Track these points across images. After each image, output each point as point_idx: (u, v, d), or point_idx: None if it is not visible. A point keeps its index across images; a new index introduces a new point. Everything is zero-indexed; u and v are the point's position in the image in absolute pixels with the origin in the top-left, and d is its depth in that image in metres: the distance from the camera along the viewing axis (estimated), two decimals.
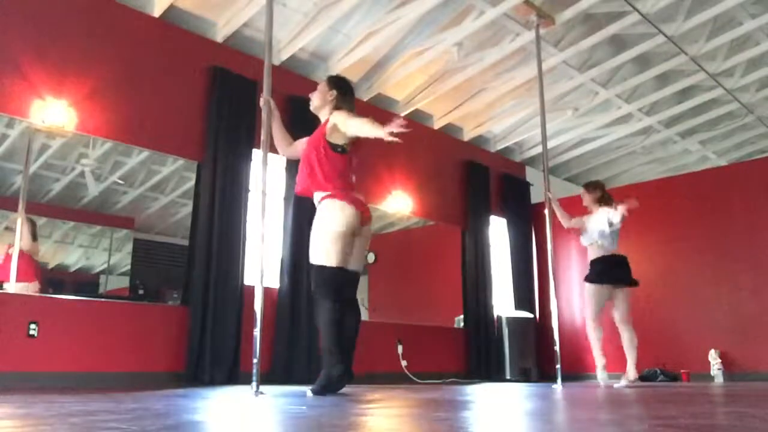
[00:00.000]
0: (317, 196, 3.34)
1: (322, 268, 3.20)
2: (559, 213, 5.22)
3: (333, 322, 3.15)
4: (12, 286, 4.17)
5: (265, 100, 3.57)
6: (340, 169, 3.31)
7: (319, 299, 3.21)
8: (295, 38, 5.56)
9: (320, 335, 3.26)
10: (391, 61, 6.14)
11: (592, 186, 5.22)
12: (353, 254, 3.28)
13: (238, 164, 5.06)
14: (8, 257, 4.29)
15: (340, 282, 3.20)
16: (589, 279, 4.99)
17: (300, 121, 5.40)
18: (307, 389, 3.21)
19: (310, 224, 5.63)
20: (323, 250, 3.21)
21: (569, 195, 7.27)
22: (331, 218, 3.23)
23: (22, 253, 4.32)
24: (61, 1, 4.52)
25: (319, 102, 3.49)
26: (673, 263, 6.85)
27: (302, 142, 3.56)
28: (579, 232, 5.22)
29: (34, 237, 4.49)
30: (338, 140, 3.32)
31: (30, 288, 4.33)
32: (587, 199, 5.15)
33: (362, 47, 5.76)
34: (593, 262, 5.00)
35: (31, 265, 4.42)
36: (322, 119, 3.46)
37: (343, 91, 3.48)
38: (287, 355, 5.12)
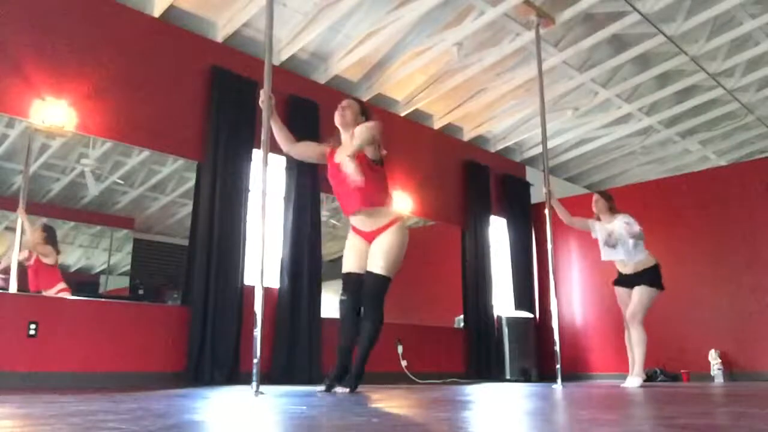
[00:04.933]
0: None
1: None
2: (559, 210, 5.20)
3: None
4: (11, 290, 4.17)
5: (266, 95, 3.54)
6: None
7: None
8: (295, 38, 5.56)
9: None
10: (391, 61, 6.14)
11: (607, 195, 5.12)
12: (352, 256, 3.57)
13: (238, 164, 5.06)
14: (38, 263, 4.35)
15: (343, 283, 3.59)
16: (659, 285, 4.92)
17: (300, 121, 5.42)
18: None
19: (310, 224, 5.66)
20: None
21: (569, 195, 7.28)
22: None
23: (36, 258, 4.37)
24: (61, 1, 4.52)
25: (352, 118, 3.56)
26: (672, 263, 6.81)
27: (312, 145, 3.74)
28: (579, 231, 5.18)
29: (53, 243, 4.52)
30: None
31: (52, 293, 4.37)
32: (601, 207, 5.03)
33: (362, 47, 5.76)
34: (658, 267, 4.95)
35: (49, 269, 4.45)
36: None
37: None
38: (287, 356, 5.12)
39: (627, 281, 4.97)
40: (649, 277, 4.88)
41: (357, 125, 3.42)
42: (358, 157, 3.20)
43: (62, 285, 4.41)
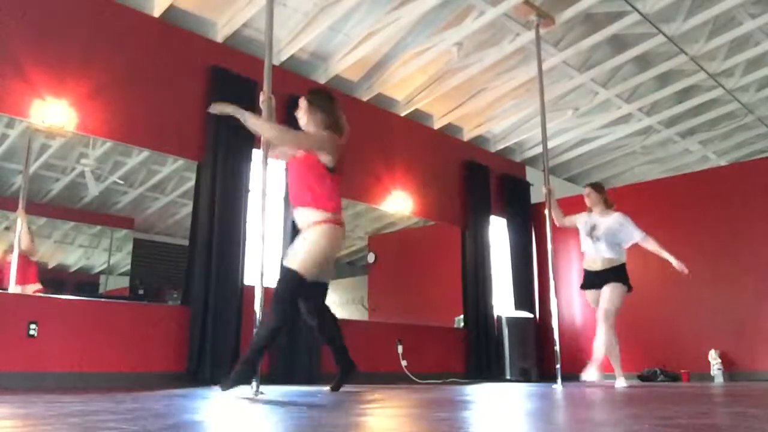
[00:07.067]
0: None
1: None
2: (554, 211, 5.17)
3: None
4: (12, 289, 4.16)
5: (266, 96, 3.54)
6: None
7: None
8: (295, 38, 5.56)
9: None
10: (391, 61, 6.13)
11: (600, 187, 5.12)
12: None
13: (238, 164, 5.06)
14: (23, 260, 4.34)
15: None
16: (628, 284, 4.86)
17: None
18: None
19: None
20: None
21: (569, 195, 7.27)
22: None
23: (21, 255, 4.34)
24: (61, 1, 4.52)
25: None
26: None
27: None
28: (569, 229, 5.19)
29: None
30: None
31: (29, 290, 4.34)
32: (594, 199, 5.02)
33: (362, 47, 5.75)
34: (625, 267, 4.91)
35: (31, 267, 4.43)
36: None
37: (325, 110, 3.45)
38: (287, 355, 5.12)
39: (596, 280, 4.86)
40: (620, 274, 4.81)
41: (313, 120, 3.42)
42: (308, 157, 3.31)
43: (38, 285, 4.42)
